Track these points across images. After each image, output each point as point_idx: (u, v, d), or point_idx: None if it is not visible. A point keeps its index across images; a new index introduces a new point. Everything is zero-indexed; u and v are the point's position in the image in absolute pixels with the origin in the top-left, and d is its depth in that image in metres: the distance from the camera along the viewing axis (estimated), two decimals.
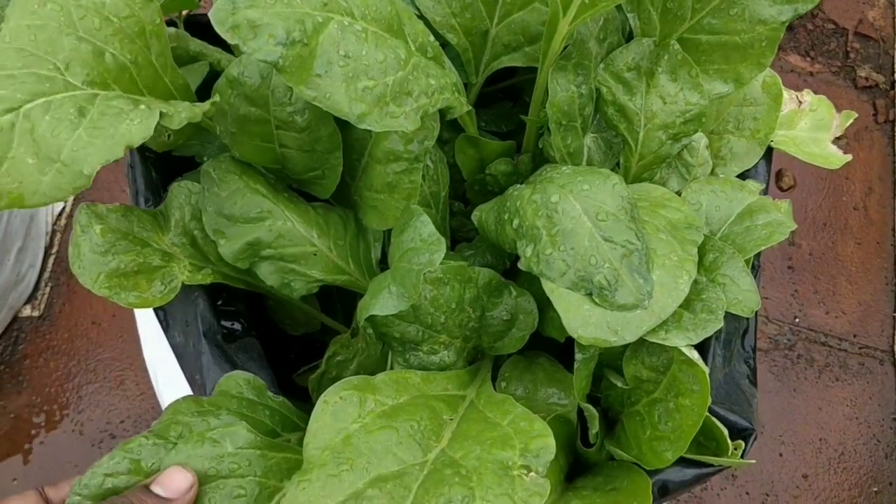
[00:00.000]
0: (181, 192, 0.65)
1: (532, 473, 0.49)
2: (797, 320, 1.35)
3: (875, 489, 1.27)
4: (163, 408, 0.96)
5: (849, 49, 1.60)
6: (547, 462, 0.49)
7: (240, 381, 0.58)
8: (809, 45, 1.60)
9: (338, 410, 0.51)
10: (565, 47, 0.63)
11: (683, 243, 0.58)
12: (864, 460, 1.26)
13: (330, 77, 0.51)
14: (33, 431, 1.17)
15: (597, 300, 0.54)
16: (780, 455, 1.25)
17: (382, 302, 0.54)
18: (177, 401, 0.56)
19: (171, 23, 0.78)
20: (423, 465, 0.49)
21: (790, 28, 1.61)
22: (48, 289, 1.25)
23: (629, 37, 0.69)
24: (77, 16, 0.53)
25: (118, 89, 0.53)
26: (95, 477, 0.51)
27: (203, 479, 0.50)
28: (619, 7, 0.68)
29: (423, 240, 0.56)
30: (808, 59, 1.59)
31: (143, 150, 0.69)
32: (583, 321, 0.54)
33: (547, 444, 0.49)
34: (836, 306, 1.36)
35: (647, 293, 0.54)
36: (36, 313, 1.23)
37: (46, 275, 1.26)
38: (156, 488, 0.49)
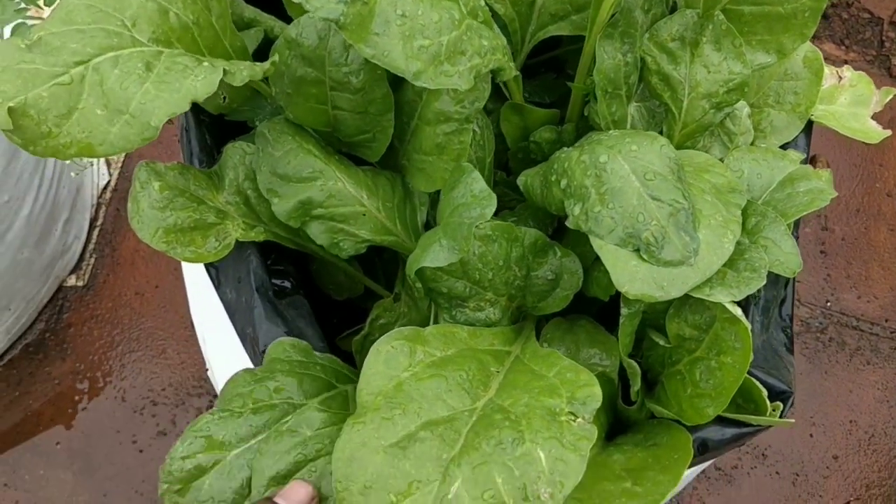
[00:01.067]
0: (236, 152, 0.67)
1: (579, 420, 0.50)
2: (829, 304, 1.35)
3: None
4: (208, 368, 0.98)
5: (884, 38, 1.60)
6: (593, 409, 0.50)
7: (286, 346, 0.60)
8: (844, 33, 1.60)
9: (390, 358, 0.53)
10: (612, 15, 0.64)
11: (728, 205, 0.59)
12: (894, 442, 1.26)
13: (388, 35, 0.53)
14: (77, 398, 1.21)
15: (644, 256, 0.55)
16: (811, 436, 1.25)
17: (433, 254, 0.56)
18: (233, 375, 0.58)
19: None
20: (472, 412, 0.51)
21: (825, 16, 1.61)
22: (93, 259, 1.28)
23: (673, 8, 0.70)
24: None
25: (181, 48, 0.55)
26: (174, 462, 0.53)
27: (296, 469, 0.53)
28: None
29: (475, 195, 0.57)
30: (843, 47, 1.59)
31: (197, 112, 0.71)
32: (630, 276, 0.55)
33: (593, 392, 0.51)
34: (868, 291, 1.36)
35: (693, 250, 0.55)
36: (81, 283, 1.27)
37: (91, 246, 1.29)
38: (280, 501, 0.51)
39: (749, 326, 0.55)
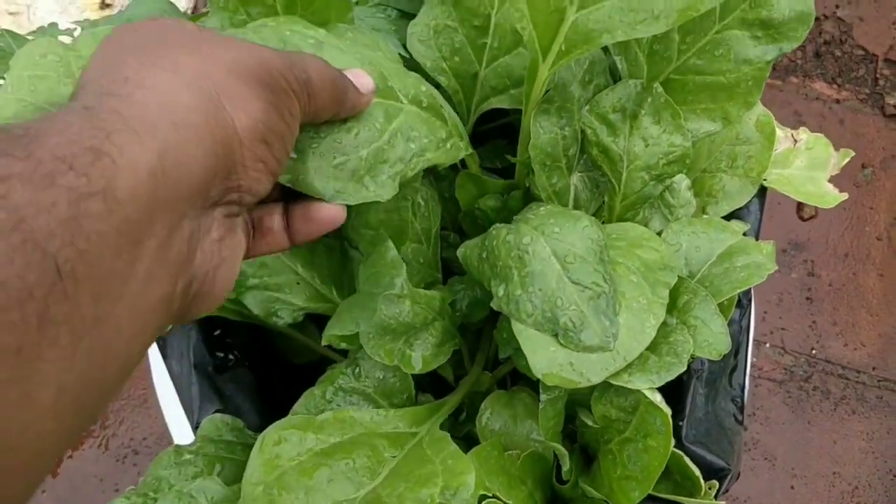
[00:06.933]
0: None
1: None
2: (814, 352, 1.33)
3: None
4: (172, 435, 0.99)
5: (878, 76, 1.59)
6: (463, 500, 0.50)
7: (218, 424, 0.61)
8: (836, 71, 1.59)
9: (276, 447, 0.53)
10: (547, 91, 0.64)
11: (655, 285, 0.59)
12: (879, 495, 1.24)
13: (302, 159, 0.52)
14: None
15: (562, 341, 0.55)
16: (792, 488, 1.23)
17: (342, 324, 0.56)
18: (160, 453, 0.59)
19: None
20: (351, 503, 0.51)
21: (817, 55, 1.60)
22: None
23: (616, 79, 0.70)
24: (75, 66, 0.57)
25: None
26: None
27: None
28: (606, 50, 0.69)
29: (386, 263, 0.58)
30: (835, 85, 1.58)
31: None
32: (548, 362, 0.55)
33: (466, 482, 0.51)
34: (855, 338, 1.34)
35: (613, 335, 0.55)
36: None
37: None
38: (350, 76, 0.50)
39: (669, 412, 0.55)
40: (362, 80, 0.51)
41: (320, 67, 0.46)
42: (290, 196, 0.52)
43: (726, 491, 0.64)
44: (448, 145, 0.59)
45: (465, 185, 0.73)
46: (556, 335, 0.55)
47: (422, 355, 0.63)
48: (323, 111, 0.47)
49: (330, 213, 0.51)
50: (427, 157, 0.57)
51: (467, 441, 0.68)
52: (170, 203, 0.34)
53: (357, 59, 0.54)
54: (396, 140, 0.55)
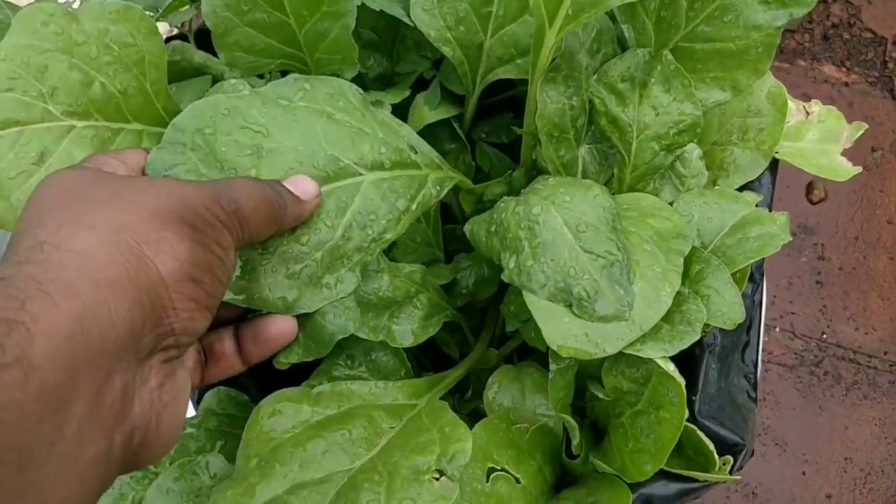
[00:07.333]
0: None
1: (443, 478, 0.49)
2: (825, 336, 1.32)
3: None
4: None
5: (887, 59, 1.57)
6: (460, 465, 0.49)
7: (221, 397, 0.59)
8: (845, 54, 1.57)
9: (271, 420, 0.52)
10: (554, 59, 0.63)
11: (669, 254, 0.58)
12: (893, 481, 1.22)
13: (253, 277, 0.50)
14: None
15: (576, 311, 0.54)
16: (804, 474, 1.22)
17: (289, 352, 0.55)
18: None
19: (181, 35, 0.81)
20: (347, 473, 0.50)
21: (825, 37, 1.58)
22: None
23: (624, 47, 0.69)
24: (77, 40, 0.55)
25: (101, 118, 0.55)
26: None
27: None
28: (613, 18, 0.68)
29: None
30: (844, 69, 1.56)
31: None
32: (563, 333, 0.54)
33: (463, 448, 0.50)
34: (866, 322, 1.32)
35: (628, 304, 0.54)
36: None
37: None
38: (287, 185, 0.49)
39: (682, 382, 0.53)
40: (304, 186, 0.49)
41: (251, 192, 0.45)
42: (240, 317, 0.52)
43: (740, 467, 0.63)
44: (415, 205, 0.56)
45: (465, 198, 0.71)
46: (569, 306, 0.54)
47: (410, 329, 0.61)
48: (260, 233, 0.46)
49: (280, 331, 0.51)
50: (387, 238, 0.54)
51: (473, 417, 0.66)
52: (94, 361, 0.34)
53: (302, 150, 0.51)
54: (351, 232, 0.52)
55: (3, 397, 0.30)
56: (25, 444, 0.31)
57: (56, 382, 0.32)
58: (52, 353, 0.32)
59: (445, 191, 0.58)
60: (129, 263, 0.37)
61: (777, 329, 1.33)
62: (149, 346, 0.38)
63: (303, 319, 0.53)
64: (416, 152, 0.57)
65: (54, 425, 0.32)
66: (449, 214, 0.77)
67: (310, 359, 0.54)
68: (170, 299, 0.39)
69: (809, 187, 1.41)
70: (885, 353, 1.31)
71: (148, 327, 0.38)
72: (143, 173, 0.48)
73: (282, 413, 0.51)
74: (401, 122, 0.59)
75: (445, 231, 0.74)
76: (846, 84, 1.53)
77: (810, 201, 1.41)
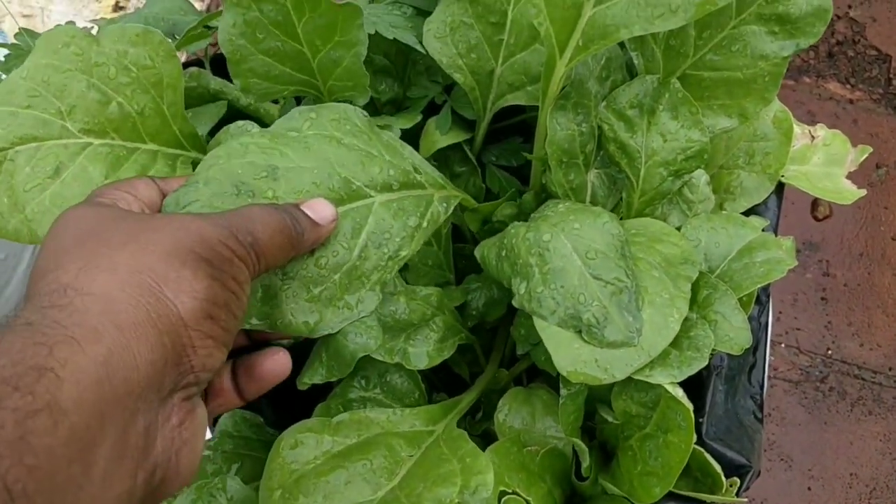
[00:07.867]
0: None
1: None
2: (830, 352, 1.33)
3: None
4: None
5: (892, 76, 1.58)
6: (483, 499, 0.50)
7: (237, 420, 0.60)
8: (850, 71, 1.58)
9: (294, 451, 0.53)
10: (564, 87, 0.64)
11: (676, 280, 0.59)
12: None
13: (273, 303, 0.51)
14: None
15: (585, 338, 0.55)
16: (809, 489, 1.23)
17: (312, 372, 0.56)
18: None
19: (198, 61, 0.82)
20: None
21: (830, 55, 1.59)
22: None
23: (633, 74, 0.70)
24: (97, 61, 0.57)
25: (117, 137, 0.56)
26: None
27: None
28: (622, 45, 0.69)
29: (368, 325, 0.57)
30: (849, 86, 1.57)
31: None
32: (573, 359, 0.55)
33: (485, 481, 0.51)
34: (870, 339, 1.33)
35: (637, 330, 0.55)
36: None
37: None
38: (305, 209, 0.50)
39: (691, 407, 0.54)
40: (322, 212, 0.50)
41: (267, 222, 0.45)
42: (236, 351, 0.52)
43: (747, 488, 0.64)
44: (425, 222, 0.57)
45: (471, 218, 0.73)
46: (579, 332, 0.55)
47: (426, 351, 0.62)
48: (277, 261, 0.47)
49: (274, 369, 0.51)
50: (403, 255, 0.55)
51: (484, 439, 0.67)
52: (119, 403, 0.35)
53: (317, 172, 0.52)
54: (368, 251, 0.54)
55: (35, 443, 0.31)
56: (56, 487, 0.32)
57: (84, 426, 0.33)
58: (80, 397, 0.33)
59: (452, 208, 0.59)
60: (149, 305, 0.38)
61: (782, 345, 1.34)
62: (170, 385, 0.39)
63: (325, 340, 0.54)
64: (420, 173, 0.58)
65: (83, 468, 0.33)
66: (458, 233, 0.78)
67: (333, 379, 0.55)
68: (189, 338, 0.39)
69: (815, 204, 1.42)
70: (890, 369, 1.32)
71: (169, 367, 0.38)
72: (157, 209, 0.49)
73: (303, 444, 0.52)
74: (404, 143, 0.60)
75: (455, 250, 0.75)
76: (851, 101, 1.54)
77: (815, 218, 1.42)
